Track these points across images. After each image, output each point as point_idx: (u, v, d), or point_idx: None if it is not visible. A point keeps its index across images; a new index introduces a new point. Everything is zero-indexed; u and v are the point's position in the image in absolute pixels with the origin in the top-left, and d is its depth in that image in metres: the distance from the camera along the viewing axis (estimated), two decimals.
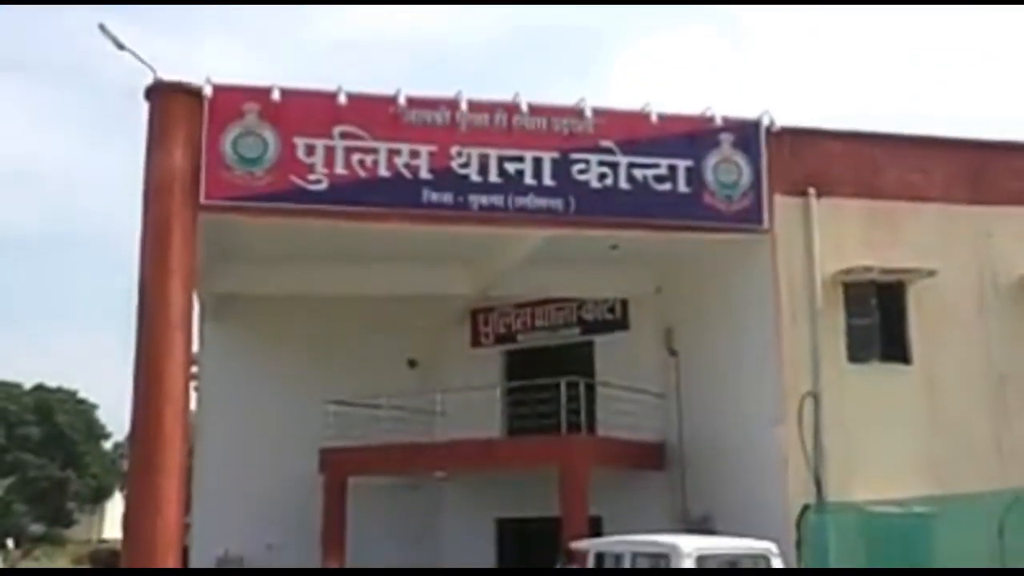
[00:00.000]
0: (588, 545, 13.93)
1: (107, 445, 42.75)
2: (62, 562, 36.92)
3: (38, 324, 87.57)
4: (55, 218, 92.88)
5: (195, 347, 16.54)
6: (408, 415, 18.29)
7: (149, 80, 13.65)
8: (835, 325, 14.81)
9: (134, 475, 12.81)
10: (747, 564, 12.51)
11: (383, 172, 13.79)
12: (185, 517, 14.36)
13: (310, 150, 13.63)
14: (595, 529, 15.89)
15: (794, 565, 13.29)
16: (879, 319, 15.11)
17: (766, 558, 12.28)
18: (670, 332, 18.20)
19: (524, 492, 17.37)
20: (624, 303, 19.45)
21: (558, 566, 14.02)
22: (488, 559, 19.26)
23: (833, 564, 13.49)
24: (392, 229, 14.44)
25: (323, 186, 13.61)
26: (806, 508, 13.87)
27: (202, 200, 13.25)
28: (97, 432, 40.71)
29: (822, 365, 14.51)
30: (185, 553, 14.99)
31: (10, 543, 32.40)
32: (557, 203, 14.22)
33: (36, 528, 35.45)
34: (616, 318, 19.52)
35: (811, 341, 14.59)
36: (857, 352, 14.91)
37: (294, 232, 15.08)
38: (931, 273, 14.91)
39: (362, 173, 13.75)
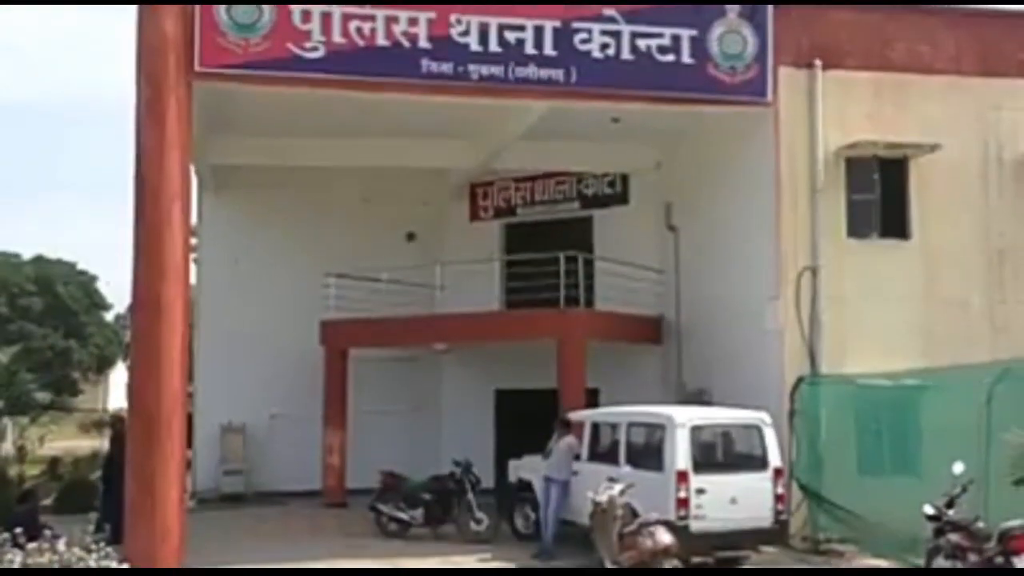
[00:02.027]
0: (584, 416, 14.23)
1: (108, 316, 43.05)
2: (70, 429, 37.74)
3: (35, 195, 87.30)
4: (54, 88, 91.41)
5: (193, 220, 16.51)
6: (407, 288, 18.42)
7: None
8: (836, 200, 14.72)
9: (137, 344, 12.91)
10: (740, 434, 12.81)
11: (381, 41, 13.44)
12: (188, 387, 14.57)
13: (306, 17, 13.26)
14: (592, 401, 16.21)
15: (787, 436, 13.60)
16: (880, 194, 15.03)
17: (759, 428, 12.56)
18: (670, 207, 18.16)
19: (523, 364, 17.62)
20: (624, 178, 19.36)
21: (555, 436, 14.31)
22: (487, 430, 19.70)
23: (824, 434, 13.80)
24: (390, 99, 14.19)
25: (320, 54, 13.30)
26: (800, 380, 14.11)
27: (197, 67, 12.95)
28: (98, 303, 40.92)
29: (821, 240, 14.50)
30: (190, 422, 15.27)
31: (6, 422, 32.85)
32: (558, 74, 13.92)
33: (42, 396, 36.04)
34: (616, 193, 19.46)
35: (811, 216, 14.54)
36: (857, 227, 14.86)
37: (292, 102, 14.84)
38: (934, 148, 14.75)
39: (360, 42, 13.41)
